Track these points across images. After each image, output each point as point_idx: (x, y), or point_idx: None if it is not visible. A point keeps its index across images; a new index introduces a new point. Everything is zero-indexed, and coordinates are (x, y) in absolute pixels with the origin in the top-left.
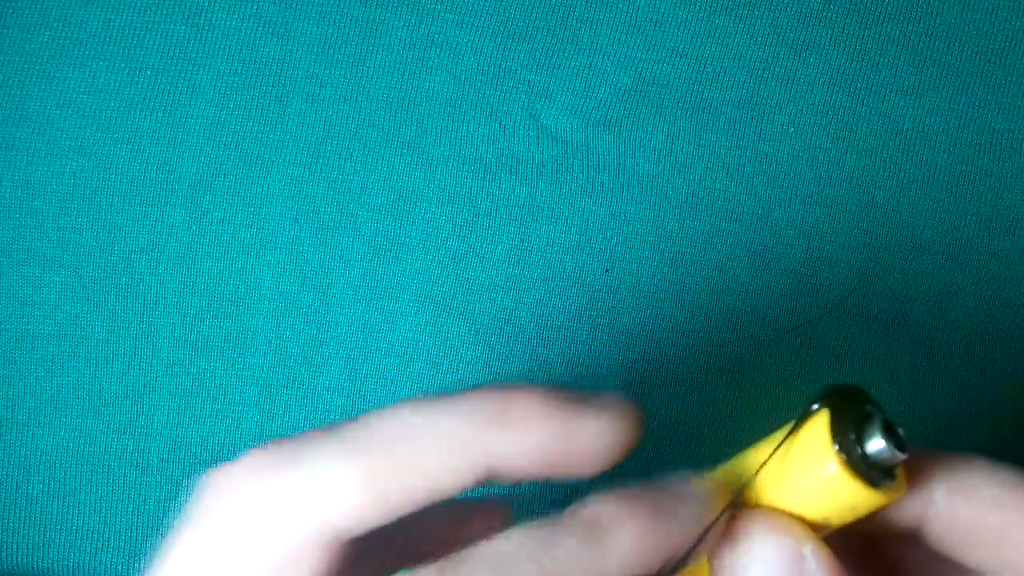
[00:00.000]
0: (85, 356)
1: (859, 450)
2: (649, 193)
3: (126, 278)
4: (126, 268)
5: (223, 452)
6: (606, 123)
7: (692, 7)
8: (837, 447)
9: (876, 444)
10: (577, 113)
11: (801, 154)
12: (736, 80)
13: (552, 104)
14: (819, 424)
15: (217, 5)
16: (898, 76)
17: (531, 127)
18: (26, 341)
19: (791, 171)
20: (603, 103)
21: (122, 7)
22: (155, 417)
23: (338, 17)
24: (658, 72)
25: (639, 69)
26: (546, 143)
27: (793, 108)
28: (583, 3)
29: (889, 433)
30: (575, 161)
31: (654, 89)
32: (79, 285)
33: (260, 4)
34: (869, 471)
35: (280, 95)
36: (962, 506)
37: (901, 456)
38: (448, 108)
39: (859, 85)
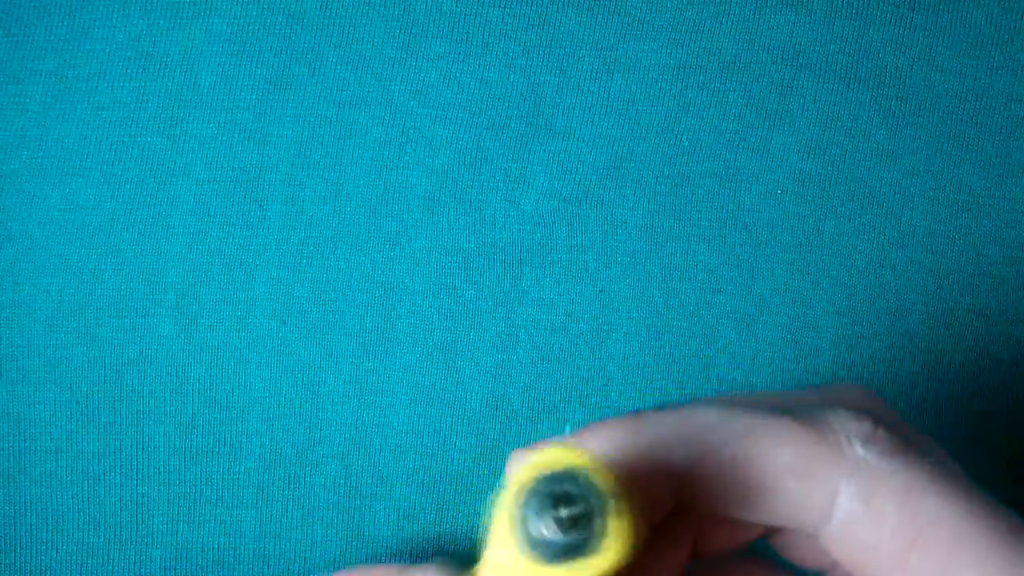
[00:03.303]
0: (83, 470)
1: (531, 534)
2: (632, 269)
3: (118, 390)
4: (117, 381)
5: (224, 557)
6: (587, 202)
7: (664, 83)
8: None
9: (541, 529)
10: (556, 196)
11: (780, 222)
12: (712, 152)
13: (531, 189)
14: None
15: (192, 115)
16: (872, 140)
17: (511, 213)
18: (23, 459)
19: (771, 240)
20: (581, 184)
21: (97, 122)
22: (154, 526)
23: (313, 119)
24: (634, 148)
25: (615, 148)
26: (527, 228)
27: (770, 177)
28: (553, 89)
29: (552, 515)
30: (558, 242)
31: (631, 165)
32: (72, 400)
33: (235, 112)
34: (553, 550)
35: (260, 199)
36: (707, 472)
37: (570, 537)
38: (427, 201)
39: (834, 151)
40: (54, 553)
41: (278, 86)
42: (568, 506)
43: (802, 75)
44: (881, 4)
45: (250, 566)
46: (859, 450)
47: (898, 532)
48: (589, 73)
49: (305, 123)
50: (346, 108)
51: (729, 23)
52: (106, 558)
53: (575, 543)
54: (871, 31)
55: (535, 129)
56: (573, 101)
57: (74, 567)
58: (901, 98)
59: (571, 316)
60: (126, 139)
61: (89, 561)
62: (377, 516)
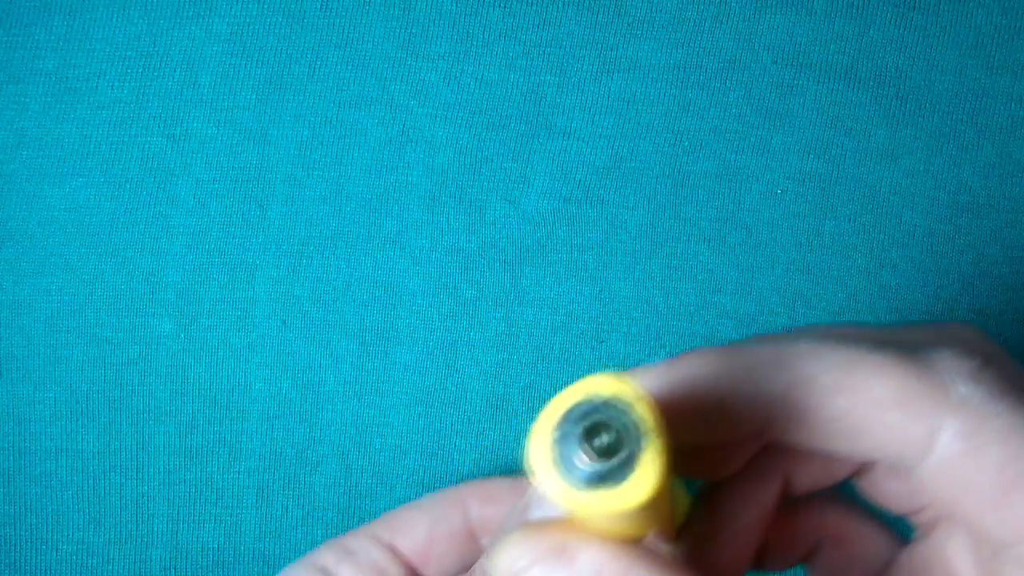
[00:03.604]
0: (83, 470)
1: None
2: (632, 269)
3: (118, 390)
4: (117, 381)
5: (224, 557)
6: (587, 202)
7: (663, 83)
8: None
9: (572, 456)
10: (556, 196)
11: (780, 222)
12: (712, 152)
13: (530, 189)
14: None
15: (192, 115)
16: (872, 140)
17: (511, 213)
18: (24, 458)
19: (771, 239)
20: (581, 183)
21: (97, 122)
22: (154, 526)
23: (313, 119)
24: (634, 148)
25: (615, 147)
26: (527, 227)
27: (770, 177)
28: (554, 89)
29: (588, 444)
30: (558, 242)
31: (631, 165)
32: (72, 400)
33: (235, 111)
34: (577, 478)
35: (260, 199)
36: (803, 401)
37: (601, 465)
38: (427, 201)
39: (834, 151)
40: (54, 553)
41: (278, 86)
42: (600, 435)
43: (802, 75)
44: (881, 4)
45: (250, 566)
46: (963, 388)
47: (999, 473)
48: (589, 73)
49: (305, 123)
50: (346, 108)
51: (729, 23)
52: (106, 558)
53: (604, 472)
54: (871, 31)
55: (535, 129)
56: (573, 101)
57: (74, 567)
58: (901, 98)
59: (571, 316)
60: (126, 139)
61: (89, 561)
62: (377, 516)
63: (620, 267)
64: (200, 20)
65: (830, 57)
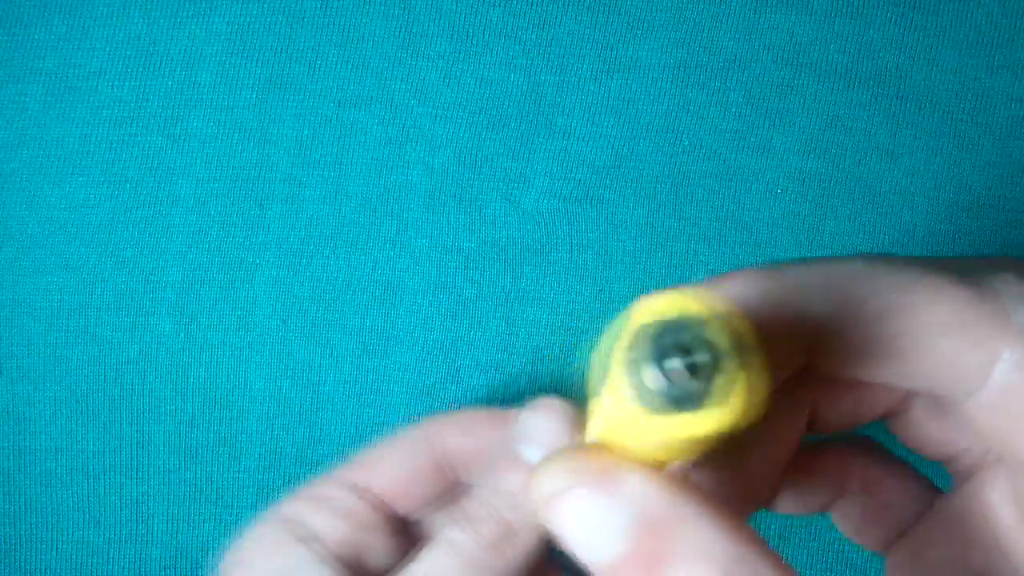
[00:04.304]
0: (83, 469)
1: (645, 381)
2: (632, 269)
3: (118, 389)
4: (117, 380)
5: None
6: (587, 202)
7: (664, 83)
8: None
9: (654, 377)
10: (556, 195)
11: (780, 222)
12: (713, 151)
13: (530, 188)
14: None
15: (193, 114)
16: (872, 140)
17: (511, 212)
18: (24, 457)
19: (771, 239)
20: (582, 183)
21: (97, 121)
22: (154, 525)
23: (313, 119)
24: (634, 148)
25: (615, 147)
26: (528, 226)
27: (770, 177)
28: (554, 88)
29: (660, 364)
30: (558, 241)
31: (631, 165)
32: (72, 399)
33: (235, 111)
34: (665, 400)
35: (260, 198)
36: (851, 324)
37: (694, 385)
38: (427, 200)
39: (834, 151)
40: (54, 552)
41: (278, 85)
42: (680, 356)
43: (802, 75)
44: (881, 4)
45: None
46: None
47: None
48: (589, 73)
49: (305, 122)
50: (346, 107)
51: (729, 22)
52: (106, 557)
53: (684, 396)
54: (871, 31)
55: (535, 128)
56: (573, 100)
57: (74, 566)
58: (901, 98)
59: (571, 315)
60: (126, 138)
61: (89, 560)
62: None
63: (620, 267)
64: (200, 19)
65: (830, 57)
